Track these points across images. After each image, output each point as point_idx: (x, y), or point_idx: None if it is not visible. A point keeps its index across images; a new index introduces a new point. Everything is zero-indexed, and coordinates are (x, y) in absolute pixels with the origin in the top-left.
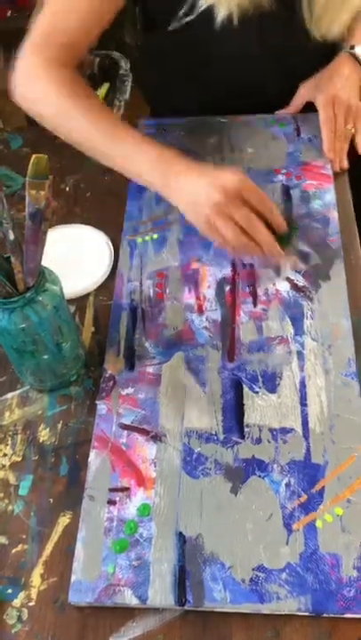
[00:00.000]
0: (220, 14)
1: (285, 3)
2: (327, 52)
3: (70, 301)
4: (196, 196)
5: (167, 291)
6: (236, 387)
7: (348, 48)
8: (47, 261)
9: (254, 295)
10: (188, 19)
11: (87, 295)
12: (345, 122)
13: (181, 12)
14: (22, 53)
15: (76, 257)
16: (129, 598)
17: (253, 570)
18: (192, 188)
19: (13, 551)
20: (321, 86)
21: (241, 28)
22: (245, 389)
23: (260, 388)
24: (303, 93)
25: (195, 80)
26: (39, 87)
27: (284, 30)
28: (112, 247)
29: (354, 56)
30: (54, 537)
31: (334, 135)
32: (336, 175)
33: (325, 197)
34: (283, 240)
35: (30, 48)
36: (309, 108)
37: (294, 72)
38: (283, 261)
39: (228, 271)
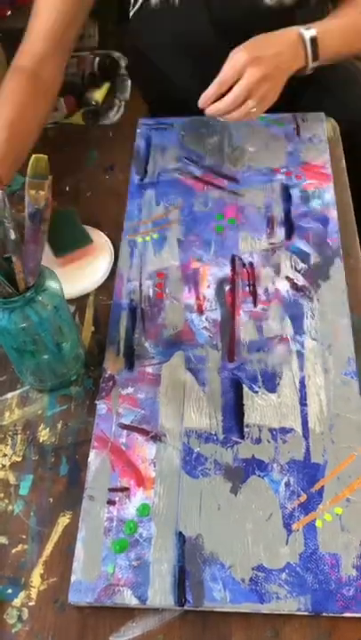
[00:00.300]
0: None
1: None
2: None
3: (70, 301)
4: None
5: (167, 290)
6: (236, 386)
7: (303, 28)
8: (48, 261)
9: (254, 295)
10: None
11: (87, 295)
12: (249, 94)
13: None
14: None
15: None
16: (129, 598)
17: (253, 570)
18: None
19: (13, 551)
20: (251, 43)
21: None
22: (245, 389)
23: (259, 387)
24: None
25: (175, 70)
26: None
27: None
28: (112, 247)
29: (302, 38)
30: (54, 537)
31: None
32: (336, 175)
33: (325, 197)
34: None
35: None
36: (309, 107)
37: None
38: None
39: (228, 271)
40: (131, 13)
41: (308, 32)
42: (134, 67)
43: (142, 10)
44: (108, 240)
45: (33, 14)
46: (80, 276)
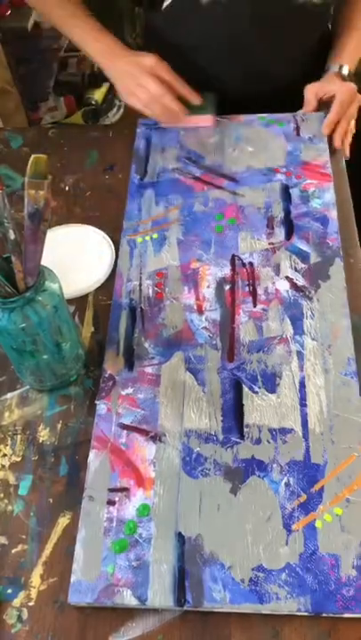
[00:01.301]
0: None
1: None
2: (315, 25)
3: (70, 301)
4: (122, 73)
5: (167, 290)
6: (236, 387)
7: (336, 67)
8: (49, 261)
9: (254, 295)
10: None
11: (87, 295)
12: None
13: None
14: None
15: (77, 256)
16: (128, 599)
17: (253, 570)
18: (121, 68)
19: (13, 551)
20: (334, 82)
21: (229, 3)
22: (245, 389)
23: (259, 388)
24: (312, 90)
25: (192, 64)
26: None
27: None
28: (113, 247)
29: (341, 75)
30: (54, 537)
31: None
32: (336, 174)
33: (325, 196)
34: (202, 109)
35: None
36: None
37: (291, 53)
38: (196, 121)
39: (227, 271)
40: (165, 5)
41: (345, 69)
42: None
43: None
44: (108, 240)
45: None
46: (81, 275)
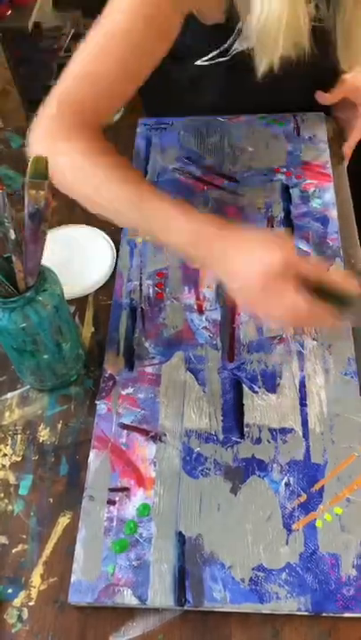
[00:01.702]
0: (263, 65)
1: (321, 48)
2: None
3: (70, 301)
4: (245, 278)
5: (167, 290)
6: (236, 386)
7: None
8: (50, 261)
9: None
10: (220, 59)
11: (87, 295)
12: None
13: (214, 53)
14: (39, 119)
15: (78, 257)
16: (129, 598)
17: (253, 570)
18: (241, 267)
19: (13, 551)
20: None
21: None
22: (245, 389)
23: (259, 387)
24: (346, 91)
25: (207, 99)
26: (61, 146)
27: (314, 68)
28: (114, 247)
29: None
30: (54, 537)
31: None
32: (336, 174)
33: (325, 196)
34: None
35: (47, 116)
36: (308, 108)
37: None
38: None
39: None
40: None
41: None
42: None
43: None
44: (109, 240)
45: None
46: (82, 276)
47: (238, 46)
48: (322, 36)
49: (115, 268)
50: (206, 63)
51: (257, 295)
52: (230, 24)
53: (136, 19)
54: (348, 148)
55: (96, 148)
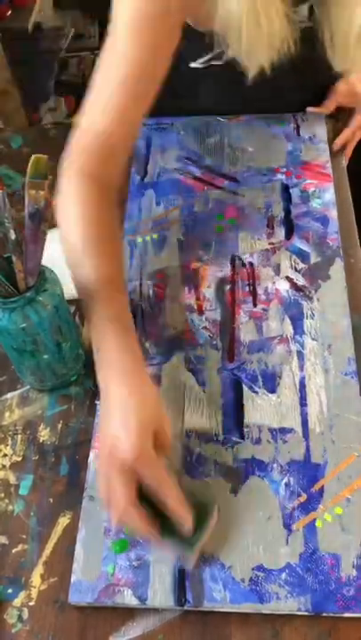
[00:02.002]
0: (252, 72)
1: (307, 43)
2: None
3: (70, 301)
4: (104, 447)
5: (167, 291)
6: (236, 387)
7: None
8: (51, 261)
9: (254, 295)
10: (214, 62)
11: None
12: None
13: (209, 56)
14: (65, 166)
15: None
16: (129, 598)
17: (253, 570)
18: (103, 431)
19: (13, 551)
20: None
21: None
22: (245, 389)
23: (259, 387)
24: (340, 99)
25: (204, 103)
26: (69, 212)
27: (310, 66)
28: None
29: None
30: (54, 537)
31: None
32: (336, 174)
33: (325, 196)
34: (189, 540)
35: (68, 164)
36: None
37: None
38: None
39: (227, 271)
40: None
41: None
42: None
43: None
44: None
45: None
46: None
47: (229, 53)
48: (313, 36)
49: None
50: (201, 66)
51: (98, 470)
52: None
53: (144, 49)
54: (335, 144)
55: (98, 212)
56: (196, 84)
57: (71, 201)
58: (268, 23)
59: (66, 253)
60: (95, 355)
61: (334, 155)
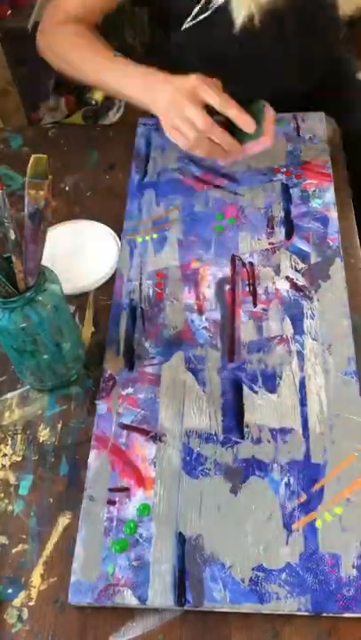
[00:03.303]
0: (240, 17)
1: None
2: (344, 53)
3: (70, 301)
4: (165, 104)
5: (167, 291)
6: (236, 386)
7: None
8: (55, 256)
9: (254, 295)
10: (202, 17)
11: (87, 295)
12: None
13: (196, 10)
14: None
15: (83, 252)
16: (129, 598)
17: (253, 570)
18: (162, 98)
19: (13, 551)
20: None
21: (261, 27)
22: (245, 389)
23: (259, 387)
24: None
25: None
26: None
27: (305, 24)
28: (119, 242)
29: None
30: (54, 537)
31: None
32: (336, 175)
33: (325, 196)
34: (252, 135)
35: (44, 25)
36: (309, 107)
37: (309, 62)
38: (252, 151)
39: (227, 271)
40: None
41: None
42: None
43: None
44: (114, 235)
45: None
46: (86, 270)
47: (217, 1)
48: None
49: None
50: (191, 24)
51: (166, 107)
52: None
53: None
54: None
55: (85, 31)
56: (190, 52)
57: (59, 30)
58: None
59: (78, 66)
60: (122, 92)
61: (334, 155)
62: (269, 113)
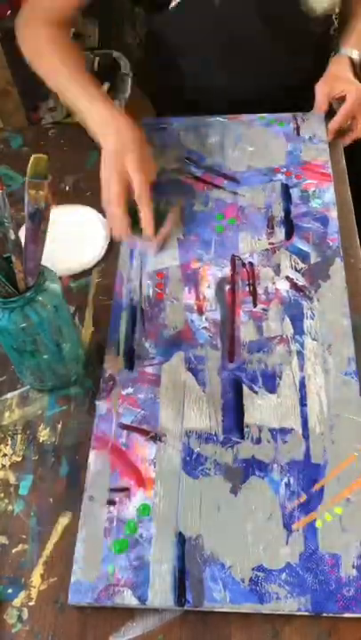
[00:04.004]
0: None
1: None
2: (325, 30)
3: (70, 301)
4: (107, 150)
5: (167, 291)
6: (236, 387)
7: (348, 52)
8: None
9: (254, 295)
10: None
11: (87, 294)
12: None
13: None
14: (17, 20)
15: (73, 234)
16: (129, 599)
17: (253, 570)
18: (108, 145)
19: (13, 551)
20: (345, 78)
21: (241, 3)
22: (245, 389)
23: (259, 387)
24: (324, 91)
25: (198, 68)
26: (33, 37)
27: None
28: (106, 223)
29: (351, 59)
30: (54, 537)
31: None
32: (336, 174)
33: (325, 196)
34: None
35: (22, 19)
36: (309, 107)
37: (296, 51)
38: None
39: (227, 271)
40: (172, 5)
41: (355, 54)
42: (143, 70)
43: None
44: (100, 216)
45: None
46: (77, 252)
47: None
48: None
49: (110, 244)
50: (175, 3)
51: (106, 155)
52: None
53: None
54: (330, 126)
55: (58, 37)
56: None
57: (35, 33)
58: None
59: (47, 76)
60: (81, 117)
61: (334, 155)
62: (168, 224)
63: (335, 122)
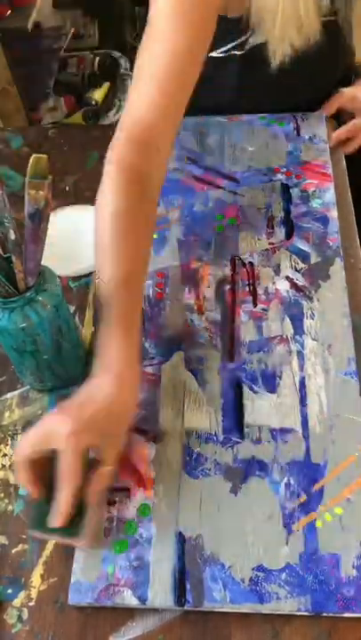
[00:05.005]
0: (277, 58)
1: (330, 33)
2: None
3: (70, 301)
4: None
5: (167, 291)
6: (236, 387)
7: None
8: (56, 240)
9: (254, 295)
10: (235, 52)
11: (87, 294)
12: None
13: (231, 45)
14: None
15: (84, 234)
16: (129, 599)
17: (253, 570)
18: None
19: (13, 551)
20: None
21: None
22: (245, 389)
23: (259, 387)
24: (341, 101)
25: (213, 91)
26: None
27: (323, 58)
28: None
29: None
30: None
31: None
32: (336, 174)
33: (325, 196)
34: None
35: (115, 148)
36: (309, 107)
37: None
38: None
39: (227, 271)
40: None
41: None
42: None
43: None
44: None
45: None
46: (88, 251)
47: (253, 40)
48: (334, 30)
49: None
50: (222, 55)
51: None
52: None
53: (186, 34)
54: (335, 135)
55: (133, 206)
56: (214, 77)
57: (110, 198)
58: (304, 6)
59: (96, 253)
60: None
61: (334, 155)
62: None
63: (341, 132)
